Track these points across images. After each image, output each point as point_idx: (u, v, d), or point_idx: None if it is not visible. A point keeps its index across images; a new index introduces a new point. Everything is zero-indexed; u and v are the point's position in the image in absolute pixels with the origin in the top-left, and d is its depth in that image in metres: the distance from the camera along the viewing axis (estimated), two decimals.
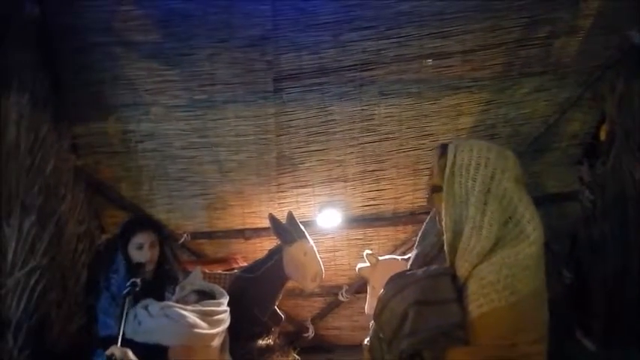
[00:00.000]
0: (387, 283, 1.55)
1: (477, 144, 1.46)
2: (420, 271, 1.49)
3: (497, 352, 1.35)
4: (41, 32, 2.45)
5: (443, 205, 1.42)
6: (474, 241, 1.37)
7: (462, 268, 1.39)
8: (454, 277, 1.41)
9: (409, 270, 1.58)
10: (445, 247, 1.43)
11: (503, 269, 1.35)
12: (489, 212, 1.36)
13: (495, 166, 1.39)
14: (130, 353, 1.79)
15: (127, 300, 1.93)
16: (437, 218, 1.55)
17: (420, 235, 1.75)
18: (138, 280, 2.00)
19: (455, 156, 1.42)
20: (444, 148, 1.49)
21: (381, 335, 1.52)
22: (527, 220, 1.40)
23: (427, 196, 1.58)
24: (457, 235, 1.40)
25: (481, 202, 1.37)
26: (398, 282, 1.49)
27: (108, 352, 1.76)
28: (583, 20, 2.68)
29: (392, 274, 2.80)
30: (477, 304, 1.36)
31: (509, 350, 1.35)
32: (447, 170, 1.41)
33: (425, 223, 1.79)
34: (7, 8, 2.27)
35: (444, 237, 1.44)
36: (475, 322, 1.35)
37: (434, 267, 1.49)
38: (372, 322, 1.70)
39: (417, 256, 1.69)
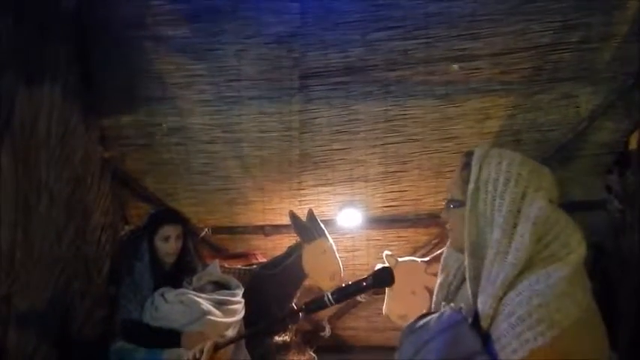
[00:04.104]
0: (402, 339, 1.32)
1: (508, 155, 1.22)
2: (432, 321, 1.24)
3: None
4: (76, 26, 2.50)
5: (465, 224, 1.20)
6: (496, 268, 1.14)
7: (486, 305, 1.14)
8: (475, 319, 1.18)
9: (421, 317, 1.32)
10: (467, 276, 1.20)
11: (534, 299, 1.09)
12: (518, 236, 1.14)
13: (528, 183, 1.17)
14: None
15: None
16: (450, 238, 1.34)
17: (442, 260, 1.49)
18: None
19: (480, 168, 1.20)
20: (468, 157, 1.27)
21: None
22: (563, 246, 1.16)
23: (444, 209, 1.34)
24: (479, 260, 1.19)
25: (509, 225, 1.15)
26: (412, 340, 1.26)
27: None
28: (618, 26, 2.61)
29: (411, 276, 2.83)
30: (511, 349, 1.09)
31: None
32: (472, 184, 1.19)
33: (446, 247, 1.51)
34: (45, 1, 2.33)
35: (466, 263, 1.21)
36: None
37: (447, 312, 1.24)
38: None
39: (440, 285, 1.44)
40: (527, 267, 1.13)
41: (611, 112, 2.86)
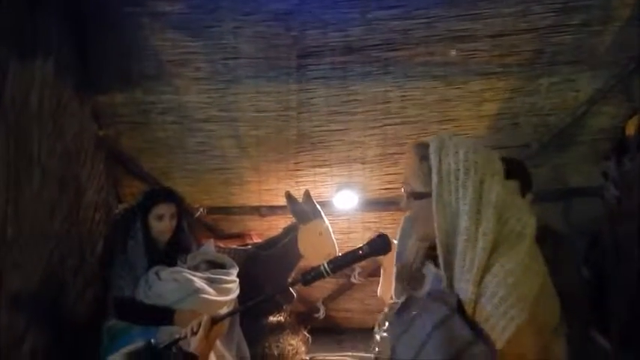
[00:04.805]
0: (392, 333, 1.37)
1: (461, 144, 1.28)
2: (420, 323, 1.27)
3: None
4: (71, 0, 2.44)
5: (435, 216, 1.26)
6: (469, 256, 1.23)
7: (468, 292, 1.22)
8: (458, 306, 1.24)
9: (402, 309, 1.36)
10: (440, 264, 1.28)
11: (508, 278, 1.21)
12: (484, 221, 1.22)
13: (485, 170, 1.25)
14: None
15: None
16: (415, 226, 1.39)
17: (399, 232, 1.57)
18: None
19: (440, 160, 1.26)
20: (423, 149, 1.31)
21: None
22: (518, 220, 1.28)
23: (404, 200, 1.36)
24: (452, 248, 1.26)
25: (474, 211, 1.23)
26: (406, 342, 1.28)
27: None
28: (619, 10, 2.58)
29: None
30: (500, 328, 1.20)
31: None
32: (435, 177, 1.25)
33: (403, 221, 1.60)
34: None
35: (439, 252, 1.28)
36: (506, 350, 1.19)
37: (433, 305, 1.28)
38: None
39: (399, 272, 1.48)
40: (494, 248, 1.23)
41: (610, 97, 2.85)
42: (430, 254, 1.38)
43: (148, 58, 2.66)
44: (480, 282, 1.22)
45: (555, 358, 1.28)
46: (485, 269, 1.22)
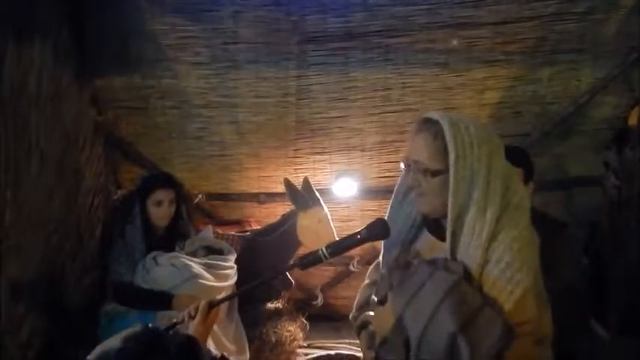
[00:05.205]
0: (395, 297, 1.34)
1: (470, 121, 1.32)
2: (429, 291, 1.27)
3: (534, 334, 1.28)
4: None
5: (452, 192, 1.27)
6: (479, 224, 1.26)
7: (477, 257, 1.26)
8: (464, 273, 1.27)
9: (403, 276, 1.35)
10: (447, 235, 1.30)
11: (514, 244, 1.26)
12: (492, 193, 1.27)
13: (491, 142, 1.30)
14: None
15: None
16: (421, 203, 1.36)
17: (388, 218, 1.48)
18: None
19: (455, 137, 1.27)
20: (434, 125, 1.30)
21: None
22: (515, 192, 1.32)
23: (414, 178, 1.34)
24: (460, 221, 1.29)
25: (485, 183, 1.27)
26: (413, 314, 1.28)
27: None
28: None
29: None
30: (507, 291, 1.24)
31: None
32: (453, 153, 1.26)
33: (392, 207, 1.50)
34: None
35: (448, 224, 1.29)
36: (513, 313, 1.23)
37: (437, 274, 1.28)
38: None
39: (387, 248, 1.48)
40: (501, 222, 1.27)
41: (612, 86, 2.83)
42: (430, 223, 1.41)
43: (147, 43, 2.63)
44: (487, 248, 1.26)
45: (545, 328, 1.33)
46: (493, 237, 1.26)
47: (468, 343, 1.19)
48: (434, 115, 1.33)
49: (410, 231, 1.47)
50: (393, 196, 1.51)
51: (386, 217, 1.49)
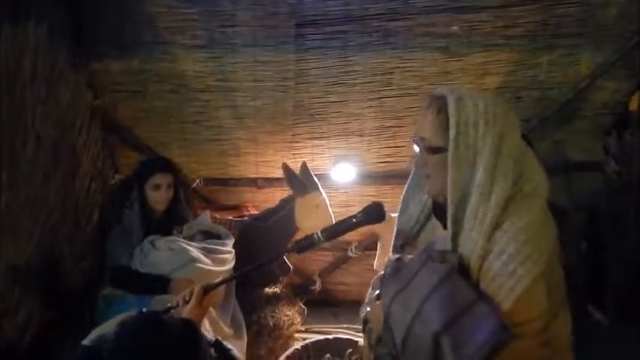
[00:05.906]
0: (385, 293, 1.26)
1: (480, 97, 1.21)
2: (419, 282, 1.19)
3: (540, 331, 1.15)
4: None
5: (450, 169, 1.18)
6: (482, 210, 1.16)
7: (477, 245, 1.16)
8: (459, 265, 1.18)
9: (396, 268, 1.29)
10: (449, 219, 1.21)
11: (520, 235, 1.14)
12: (499, 176, 1.16)
13: (504, 122, 1.18)
14: None
15: None
16: (429, 185, 1.30)
17: (402, 203, 1.45)
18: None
19: (459, 113, 1.18)
20: (439, 101, 1.22)
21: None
22: (528, 180, 1.20)
23: (419, 156, 1.28)
24: (463, 204, 1.19)
25: (491, 166, 1.16)
26: (402, 302, 1.20)
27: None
28: None
29: None
30: (508, 287, 1.12)
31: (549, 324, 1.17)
32: (453, 129, 1.17)
33: (406, 191, 1.46)
34: None
35: (449, 207, 1.20)
36: (513, 312, 1.11)
37: (430, 265, 1.20)
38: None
39: (400, 229, 1.42)
40: (509, 209, 1.17)
41: (613, 71, 2.81)
42: (437, 208, 1.33)
43: (143, 25, 2.61)
44: (490, 237, 1.16)
45: (558, 329, 1.21)
46: (497, 225, 1.16)
47: (452, 347, 1.09)
48: (444, 90, 1.24)
49: (419, 216, 1.39)
50: (409, 178, 1.44)
51: (400, 199, 1.43)
